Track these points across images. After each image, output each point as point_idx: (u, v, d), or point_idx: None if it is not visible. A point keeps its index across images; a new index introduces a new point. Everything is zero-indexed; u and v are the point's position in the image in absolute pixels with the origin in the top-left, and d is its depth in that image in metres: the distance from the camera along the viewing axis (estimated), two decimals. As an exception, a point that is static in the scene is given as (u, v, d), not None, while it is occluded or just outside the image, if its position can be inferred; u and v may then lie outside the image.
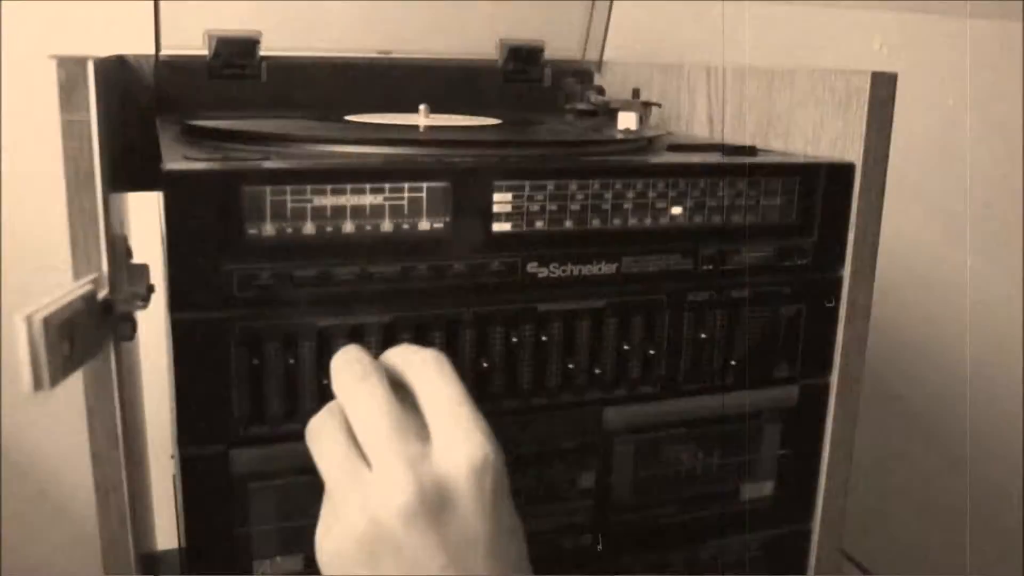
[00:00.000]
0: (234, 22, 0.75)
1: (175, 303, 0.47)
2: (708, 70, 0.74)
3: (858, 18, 1.24)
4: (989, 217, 1.37)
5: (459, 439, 0.43)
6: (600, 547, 0.60)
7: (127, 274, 0.49)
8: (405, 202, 0.50)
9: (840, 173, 0.60)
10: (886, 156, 0.60)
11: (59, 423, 0.90)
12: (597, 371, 0.56)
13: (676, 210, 0.56)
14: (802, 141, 0.64)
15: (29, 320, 0.38)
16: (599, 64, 0.89)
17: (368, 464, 0.43)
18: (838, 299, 0.62)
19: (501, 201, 0.52)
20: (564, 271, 0.54)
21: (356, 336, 0.50)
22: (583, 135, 0.70)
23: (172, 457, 0.77)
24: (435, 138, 0.62)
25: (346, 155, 0.55)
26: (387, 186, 0.50)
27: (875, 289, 0.63)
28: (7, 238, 0.93)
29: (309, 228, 0.49)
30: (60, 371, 0.40)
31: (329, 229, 0.49)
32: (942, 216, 1.34)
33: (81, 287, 0.43)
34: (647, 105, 0.71)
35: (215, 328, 0.48)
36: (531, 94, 0.87)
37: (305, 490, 0.48)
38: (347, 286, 0.50)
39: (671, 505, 0.61)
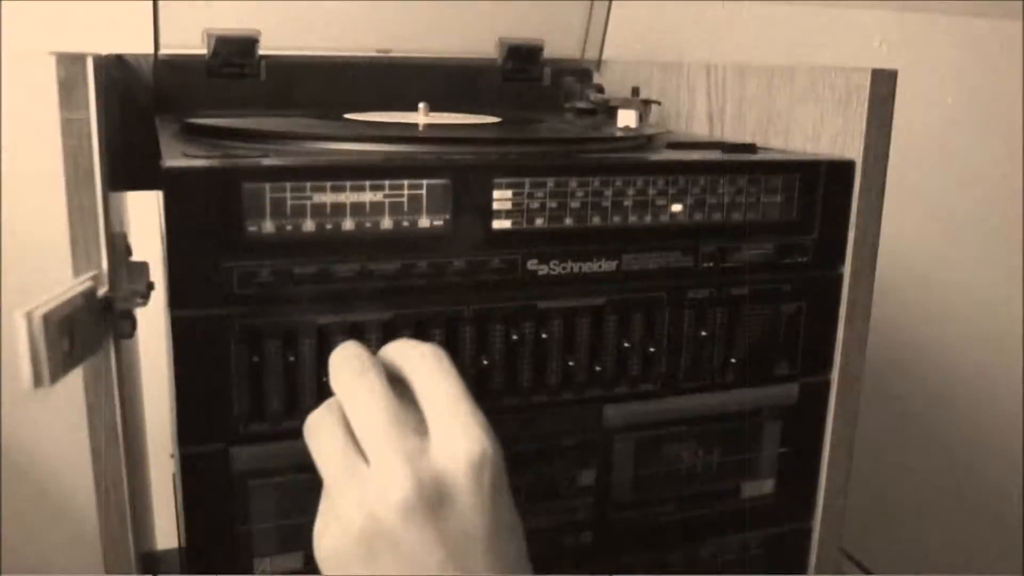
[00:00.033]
0: (233, 21, 0.75)
1: (175, 300, 0.47)
2: (708, 68, 0.74)
3: (857, 17, 1.24)
4: (989, 216, 1.37)
5: (457, 434, 0.43)
6: (599, 544, 0.60)
7: (127, 271, 0.49)
8: (405, 199, 0.50)
9: (840, 170, 0.60)
10: (886, 153, 0.60)
11: (59, 423, 0.90)
12: (597, 368, 0.56)
13: (676, 207, 0.56)
14: (802, 139, 0.64)
15: (29, 316, 0.38)
16: (598, 63, 0.89)
17: (366, 460, 0.43)
18: (838, 297, 0.62)
19: (501, 198, 0.52)
20: (564, 268, 0.54)
21: (356, 334, 0.50)
22: (583, 132, 0.70)
23: (172, 456, 0.77)
24: (435, 135, 0.62)
25: (346, 152, 0.55)
26: (387, 183, 0.50)
27: (875, 288, 0.63)
28: (7, 236, 0.93)
29: (309, 225, 0.49)
30: (60, 368, 0.40)
31: (329, 226, 0.49)
32: (942, 215, 1.34)
33: (81, 284, 0.43)
34: (647, 103, 0.71)
35: (215, 325, 0.48)
36: (530, 93, 0.87)
37: (305, 488, 0.48)
38: (347, 283, 0.50)
39: (671, 503, 0.61)
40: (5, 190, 0.92)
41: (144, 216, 0.67)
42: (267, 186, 0.48)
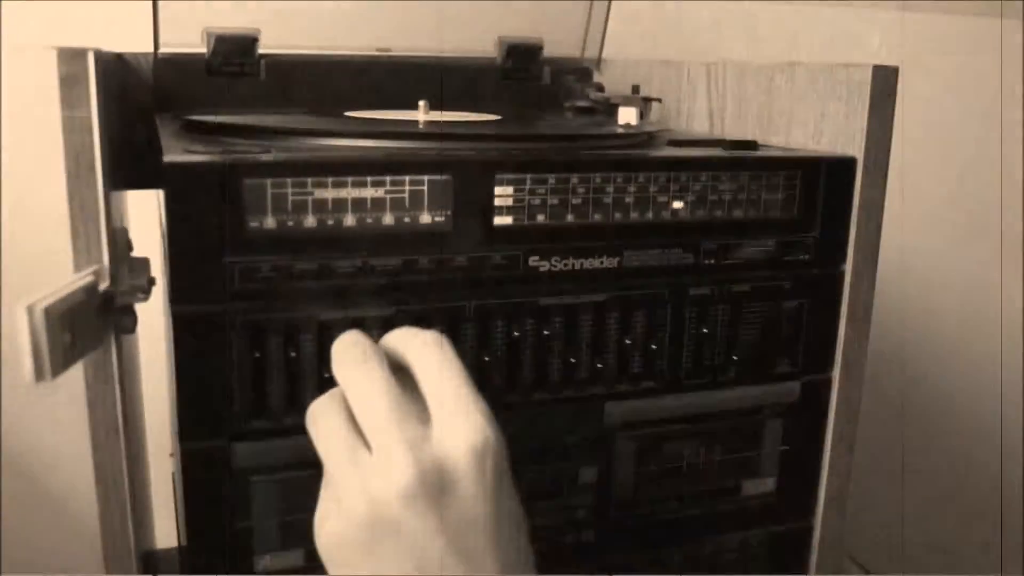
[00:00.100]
0: (233, 20, 0.75)
1: (176, 296, 0.47)
2: (708, 66, 0.74)
3: (857, 17, 1.24)
4: (989, 216, 1.37)
5: (459, 422, 0.43)
6: (600, 543, 0.60)
7: (128, 267, 0.49)
8: (406, 195, 0.50)
9: (841, 167, 0.60)
10: (888, 150, 0.60)
11: (58, 421, 0.90)
12: (598, 366, 0.56)
13: (678, 204, 0.56)
14: (803, 136, 0.64)
15: (31, 310, 0.38)
16: (598, 62, 0.89)
17: (368, 447, 0.43)
18: (840, 294, 0.62)
19: (502, 195, 0.52)
20: (565, 265, 0.54)
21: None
22: (584, 129, 0.70)
23: (171, 455, 0.76)
24: (436, 132, 0.62)
25: (347, 148, 0.55)
26: (388, 179, 0.50)
27: (875, 286, 0.63)
28: (7, 233, 0.93)
29: (310, 221, 0.49)
30: (61, 361, 0.40)
31: (330, 222, 0.49)
32: (942, 215, 1.34)
33: (82, 279, 0.43)
34: (647, 100, 0.71)
35: (216, 321, 0.48)
36: (530, 92, 0.87)
37: (306, 484, 0.48)
38: (348, 279, 0.50)
39: (672, 501, 0.61)
40: (6, 187, 0.92)
41: (143, 214, 0.67)
42: (268, 182, 0.47)
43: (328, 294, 0.50)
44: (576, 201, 0.54)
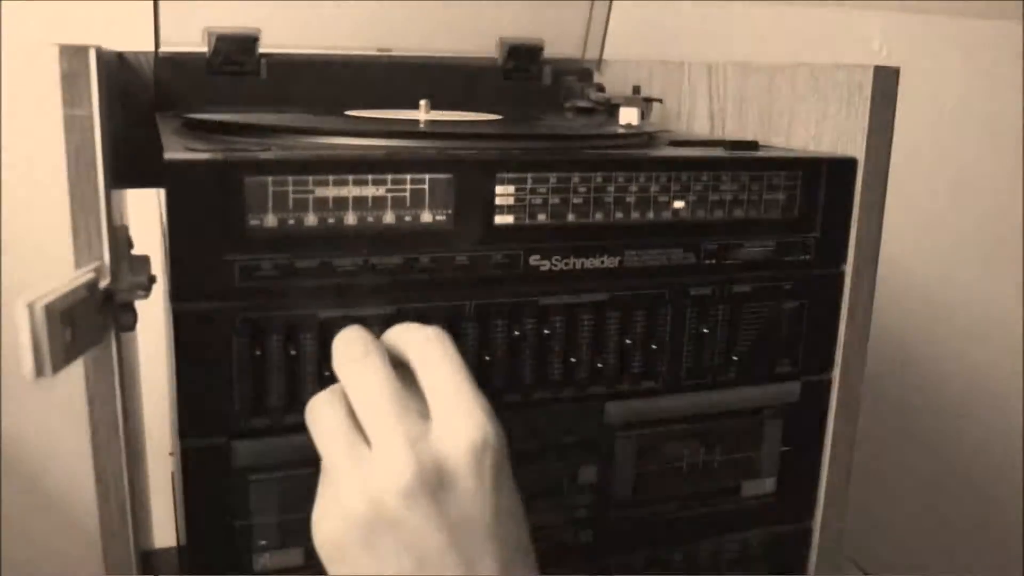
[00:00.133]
0: (233, 19, 0.75)
1: (176, 294, 0.47)
2: (709, 67, 0.74)
3: (857, 19, 1.24)
4: (989, 218, 1.37)
5: (459, 419, 0.43)
6: (599, 542, 0.59)
7: (129, 264, 0.49)
8: (407, 194, 0.50)
9: (842, 168, 0.60)
10: (888, 151, 0.60)
11: (58, 421, 0.90)
12: (599, 365, 0.56)
13: (679, 204, 0.56)
14: (804, 137, 0.64)
15: (31, 306, 0.38)
16: (599, 63, 0.89)
17: (368, 443, 0.43)
18: (840, 295, 0.62)
19: (503, 193, 0.52)
20: (566, 264, 0.54)
21: (358, 328, 0.50)
22: (585, 129, 0.70)
23: (170, 454, 0.76)
24: (438, 130, 0.62)
25: (348, 147, 0.55)
26: (389, 178, 0.50)
27: (876, 287, 0.63)
28: (7, 231, 0.93)
29: (311, 219, 0.49)
30: (61, 358, 0.40)
31: (331, 220, 0.49)
32: (942, 217, 1.34)
33: (83, 276, 0.43)
34: (648, 101, 0.71)
35: (216, 319, 0.48)
36: (531, 93, 0.87)
37: (306, 483, 0.48)
38: (349, 278, 0.50)
39: (672, 501, 0.61)
40: (6, 184, 0.92)
41: (143, 212, 0.67)
42: (269, 179, 0.47)
43: (329, 292, 0.50)
44: (577, 201, 0.54)
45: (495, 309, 0.53)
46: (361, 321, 0.50)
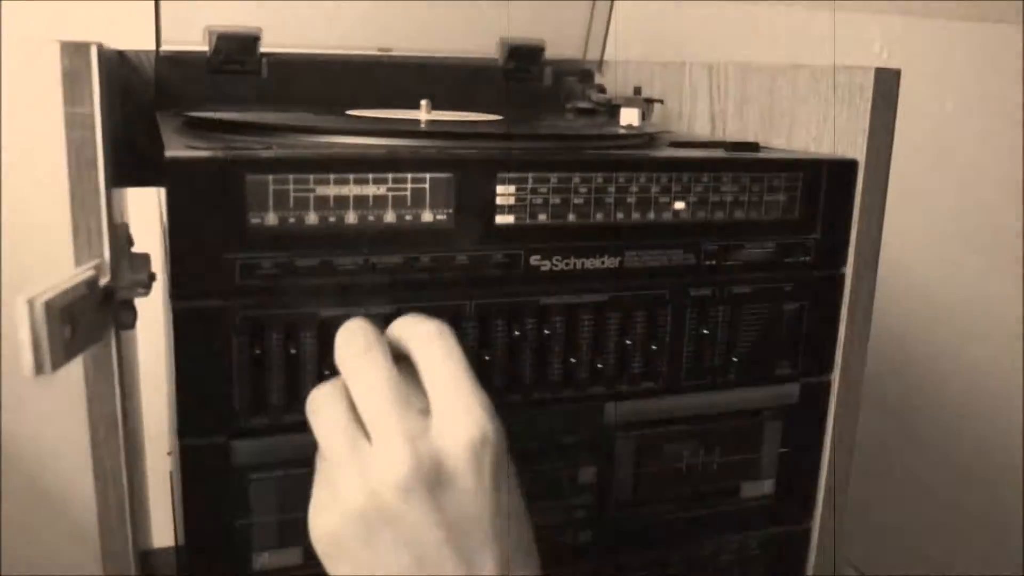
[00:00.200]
0: (234, 18, 0.75)
1: (176, 292, 0.47)
2: (710, 68, 0.74)
3: (857, 22, 1.24)
4: (989, 221, 1.37)
5: (458, 415, 0.42)
6: (598, 543, 0.59)
7: (129, 262, 0.48)
8: (408, 193, 0.50)
9: (843, 170, 0.60)
10: (889, 153, 0.60)
11: (57, 420, 0.90)
12: (599, 366, 0.56)
13: (679, 205, 0.56)
14: (805, 138, 0.64)
15: (31, 303, 0.38)
16: (600, 64, 0.89)
17: (368, 437, 0.43)
18: (840, 297, 0.62)
19: (504, 193, 0.52)
20: (567, 264, 0.54)
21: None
22: (586, 129, 0.70)
23: (169, 454, 0.76)
24: (439, 130, 0.62)
25: (349, 146, 0.55)
26: (390, 176, 0.50)
27: (875, 289, 0.63)
28: (7, 228, 0.93)
29: (312, 218, 0.49)
30: (61, 355, 0.39)
31: (332, 219, 0.49)
32: (942, 219, 1.34)
33: (83, 273, 0.43)
34: (649, 101, 0.71)
35: (216, 317, 0.48)
36: (531, 93, 0.87)
37: (306, 482, 0.48)
38: (349, 277, 0.50)
39: (671, 502, 0.61)
40: (6, 181, 0.92)
41: (143, 210, 0.67)
42: (270, 178, 0.47)
43: (329, 291, 0.50)
44: (578, 201, 0.54)
45: (495, 309, 0.53)
46: (361, 320, 0.50)
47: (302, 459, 0.48)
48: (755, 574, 0.65)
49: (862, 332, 0.63)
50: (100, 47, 0.46)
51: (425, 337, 0.45)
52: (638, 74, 0.84)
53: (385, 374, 0.43)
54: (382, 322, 0.50)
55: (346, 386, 0.44)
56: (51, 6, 0.92)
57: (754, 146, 0.62)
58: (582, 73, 0.87)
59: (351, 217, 0.49)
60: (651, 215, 0.56)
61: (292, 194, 0.48)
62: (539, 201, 0.53)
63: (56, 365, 0.39)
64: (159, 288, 0.52)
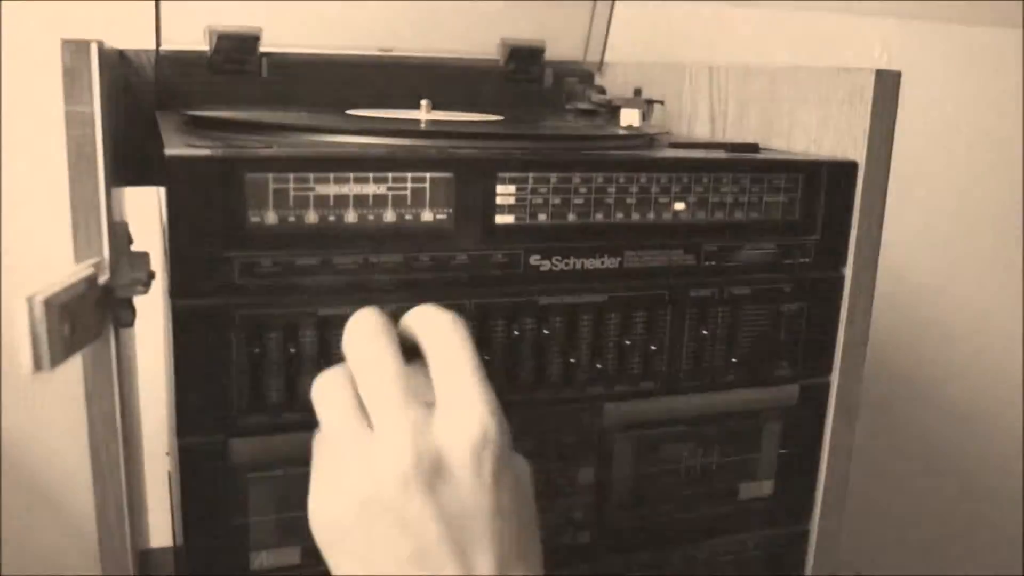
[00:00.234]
0: (235, 18, 0.75)
1: (176, 290, 0.47)
2: (710, 69, 0.74)
3: (857, 25, 1.24)
4: (989, 223, 1.37)
5: (462, 411, 0.42)
6: (597, 544, 0.59)
7: (128, 260, 0.48)
8: (408, 192, 0.50)
9: (843, 171, 0.60)
10: (889, 155, 0.60)
11: (56, 420, 0.90)
12: (598, 366, 0.56)
13: (679, 206, 0.56)
14: (805, 140, 0.64)
15: (31, 301, 0.38)
16: (600, 65, 0.89)
17: (371, 426, 0.42)
18: (839, 298, 0.62)
19: (504, 193, 0.52)
20: (566, 265, 0.54)
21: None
22: (586, 129, 0.70)
23: (167, 453, 0.76)
24: (439, 130, 0.62)
25: (349, 145, 0.55)
26: (390, 176, 0.50)
27: (875, 290, 0.63)
28: (7, 227, 0.93)
29: (312, 217, 0.49)
30: (60, 352, 0.39)
31: (332, 218, 0.49)
32: (941, 222, 1.34)
33: (83, 271, 0.43)
34: (650, 102, 0.71)
35: (216, 316, 0.48)
36: (532, 94, 0.87)
37: (304, 481, 0.48)
38: (349, 276, 0.50)
39: (670, 503, 0.61)
40: (6, 179, 0.92)
41: (142, 209, 0.67)
42: (270, 176, 0.47)
43: (328, 290, 0.50)
44: (578, 201, 0.54)
45: (495, 309, 0.53)
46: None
47: (300, 458, 0.48)
48: (753, 575, 0.65)
49: (861, 333, 0.63)
50: (100, 45, 0.46)
51: (436, 329, 0.45)
52: (638, 75, 0.84)
53: (392, 364, 0.43)
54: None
55: (352, 373, 0.44)
56: (51, 6, 0.92)
57: (754, 147, 0.62)
58: (582, 74, 0.87)
59: (351, 216, 0.49)
60: (651, 216, 0.56)
61: (292, 193, 0.48)
62: (539, 201, 0.53)
63: (55, 363, 0.39)
64: (158, 287, 0.52)
